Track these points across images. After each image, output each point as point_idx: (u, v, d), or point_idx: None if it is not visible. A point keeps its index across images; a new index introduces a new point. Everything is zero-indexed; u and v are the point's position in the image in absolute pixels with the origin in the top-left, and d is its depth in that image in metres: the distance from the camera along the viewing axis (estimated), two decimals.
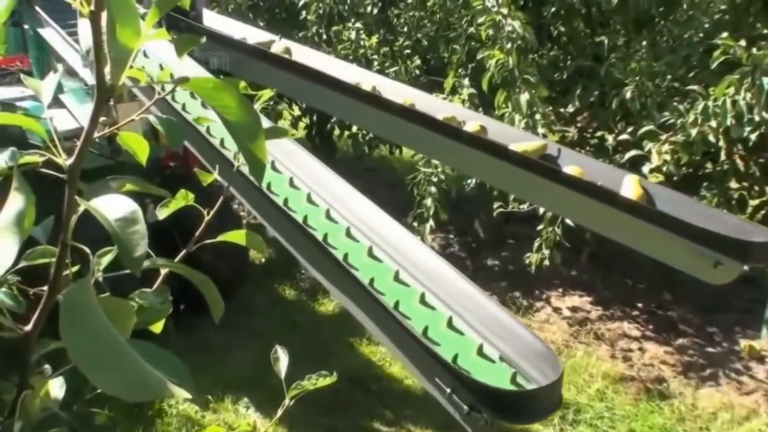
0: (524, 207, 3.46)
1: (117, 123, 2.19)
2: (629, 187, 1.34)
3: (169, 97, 1.63)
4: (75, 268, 0.79)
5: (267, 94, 1.10)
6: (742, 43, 2.87)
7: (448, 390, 0.99)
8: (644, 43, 3.77)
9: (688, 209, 1.26)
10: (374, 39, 4.60)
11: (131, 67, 0.57)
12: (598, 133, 3.97)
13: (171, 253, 0.96)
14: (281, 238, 1.42)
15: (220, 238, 0.97)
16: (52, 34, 3.09)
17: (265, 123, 1.76)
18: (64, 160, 0.63)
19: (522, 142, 1.53)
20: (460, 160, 1.61)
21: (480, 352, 1.09)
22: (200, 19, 2.23)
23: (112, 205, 0.54)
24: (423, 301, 1.20)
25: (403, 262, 1.28)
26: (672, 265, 1.24)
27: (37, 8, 3.32)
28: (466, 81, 3.79)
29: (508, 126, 1.70)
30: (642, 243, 1.29)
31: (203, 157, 1.58)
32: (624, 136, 3.54)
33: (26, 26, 4.08)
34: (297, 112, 5.83)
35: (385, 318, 1.14)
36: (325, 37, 4.93)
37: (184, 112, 1.62)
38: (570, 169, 1.39)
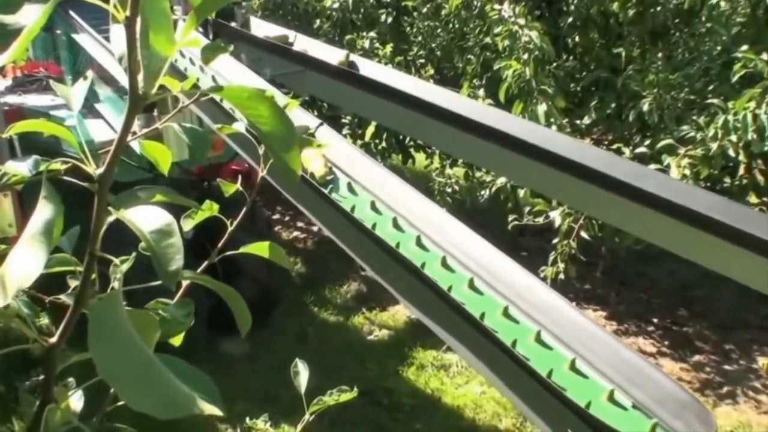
0: (539, 220, 3.43)
1: (160, 134, 2.13)
2: (336, 58, 1.88)
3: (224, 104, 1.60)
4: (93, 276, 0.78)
5: (293, 103, 1.08)
6: (764, 56, 2.84)
7: None
8: (660, 55, 3.75)
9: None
10: (388, 48, 4.59)
11: (183, 73, 0.56)
12: (615, 146, 3.94)
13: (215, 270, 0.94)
14: (366, 264, 1.33)
15: (242, 249, 0.96)
16: (87, 39, 2.98)
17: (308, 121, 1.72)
18: (94, 170, 0.62)
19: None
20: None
21: (611, 398, 0.97)
22: (248, 26, 2.22)
23: (147, 217, 0.52)
24: (539, 339, 1.07)
25: (509, 295, 1.16)
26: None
27: (71, 12, 3.18)
28: (481, 92, 3.78)
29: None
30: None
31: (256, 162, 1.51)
32: (641, 149, 3.50)
33: (58, 31, 3.94)
34: None
35: (502, 358, 1.03)
36: (338, 45, 4.93)
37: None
38: (299, 48, 1.96)
